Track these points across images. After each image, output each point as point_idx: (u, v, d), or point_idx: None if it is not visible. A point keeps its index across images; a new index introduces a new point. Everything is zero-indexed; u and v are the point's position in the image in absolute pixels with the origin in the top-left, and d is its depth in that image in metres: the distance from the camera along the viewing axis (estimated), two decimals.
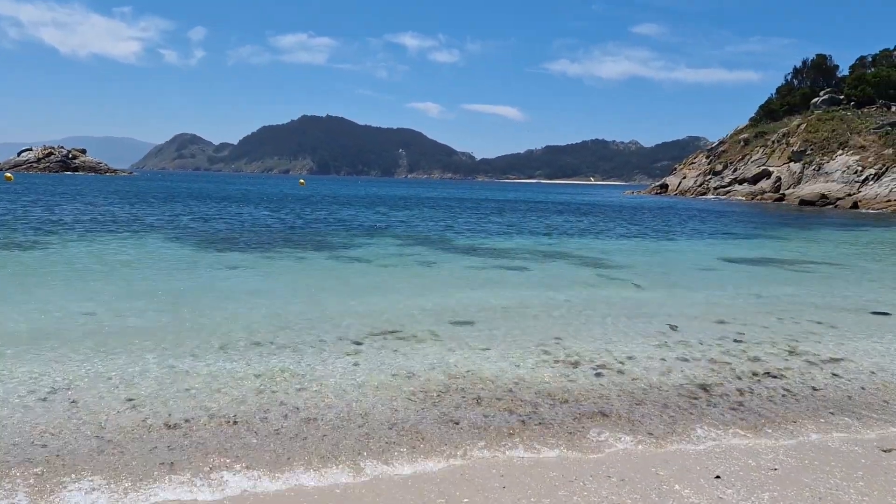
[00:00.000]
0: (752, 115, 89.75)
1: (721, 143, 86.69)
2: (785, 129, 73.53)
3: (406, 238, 23.17)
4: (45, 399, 5.97)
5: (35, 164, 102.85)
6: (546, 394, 6.56)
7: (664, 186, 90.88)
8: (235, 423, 5.58)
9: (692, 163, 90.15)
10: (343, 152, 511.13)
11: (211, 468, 4.77)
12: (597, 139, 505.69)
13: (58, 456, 4.86)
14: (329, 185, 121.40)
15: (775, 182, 67.97)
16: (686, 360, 7.97)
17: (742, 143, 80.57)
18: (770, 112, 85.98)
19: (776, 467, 4.99)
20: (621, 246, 22.81)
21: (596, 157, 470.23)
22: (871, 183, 57.45)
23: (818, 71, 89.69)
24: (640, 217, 40.21)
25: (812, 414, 6.27)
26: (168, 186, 74.41)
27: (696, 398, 6.59)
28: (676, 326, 9.72)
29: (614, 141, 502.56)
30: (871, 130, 63.41)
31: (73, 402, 5.92)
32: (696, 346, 8.60)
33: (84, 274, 13.04)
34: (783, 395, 6.76)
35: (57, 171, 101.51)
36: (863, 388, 7.07)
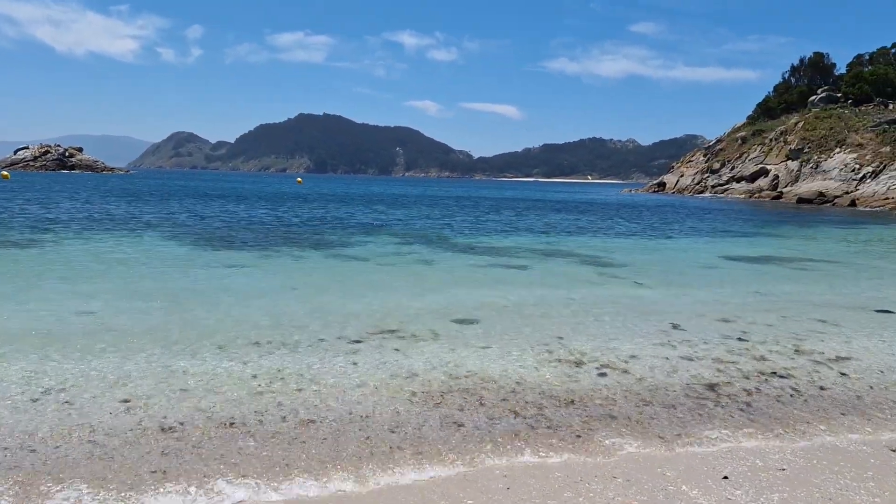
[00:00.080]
0: (750, 113, 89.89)
1: (718, 141, 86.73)
2: (782, 128, 73.63)
3: (404, 236, 23.07)
4: (37, 400, 5.83)
5: (31, 163, 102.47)
6: (550, 395, 6.44)
7: (662, 185, 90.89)
8: (232, 425, 5.44)
9: (690, 161, 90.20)
10: (340, 151, 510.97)
11: (206, 476, 4.57)
12: (594, 137, 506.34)
13: (45, 462, 4.67)
14: (326, 183, 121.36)
15: (773, 180, 68.02)
16: (691, 359, 7.86)
17: (739, 141, 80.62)
18: (768, 110, 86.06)
19: (784, 468, 4.90)
20: (620, 244, 22.73)
21: (593, 156, 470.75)
22: (868, 181, 57.53)
23: (816, 69, 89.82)
24: (639, 215, 40.16)
25: (821, 414, 6.17)
26: (165, 185, 74.22)
27: (703, 398, 6.49)
28: (679, 325, 9.63)
29: (612, 139, 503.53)
30: (869, 128, 63.52)
31: (66, 403, 5.78)
32: (699, 345, 8.50)
33: (80, 272, 12.90)
34: (791, 395, 6.65)
35: (53, 170, 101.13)
36: (871, 388, 6.97)
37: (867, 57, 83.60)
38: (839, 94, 75.77)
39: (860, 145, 61.85)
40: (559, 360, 7.59)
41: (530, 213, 39.77)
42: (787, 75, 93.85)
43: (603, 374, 7.12)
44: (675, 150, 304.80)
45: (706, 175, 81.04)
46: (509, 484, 4.55)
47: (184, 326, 8.64)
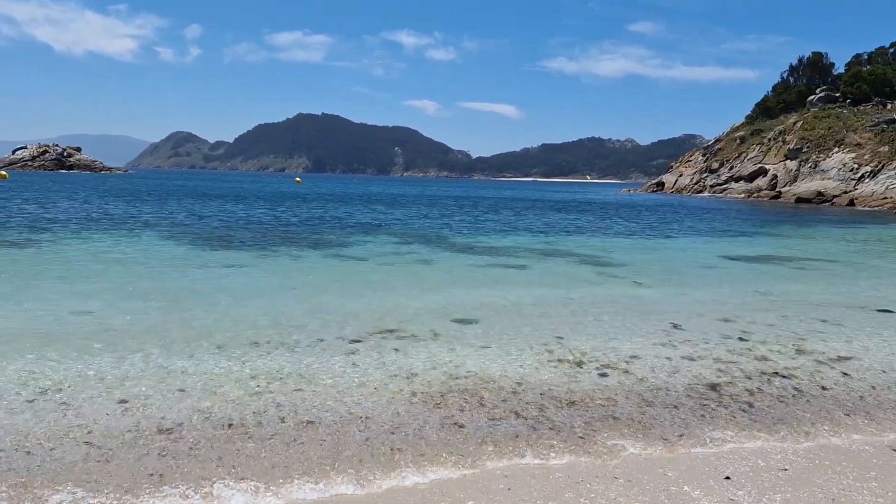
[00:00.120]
0: (749, 112, 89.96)
1: (717, 140, 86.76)
2: (781, 127, 73.64)
3: (403, 236, 23.03)
4: (33, 401, 5.77)
5: (30, 163, 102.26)
6: (551, 396, 6.39)
7: (660, 184, 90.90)
8: (231, 426, 5.39)
9: (688, 161, 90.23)
10: (339, 150, 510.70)
11: (203, 479, 4.49)
12: (593, 137, 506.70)
13: (40, 465, 4.60)
14: (325, 183, 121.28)
15: (771, 180, 68.06)
16: (692, 359, 7.82)
17: (738, 140, 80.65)
18: (766, 110, 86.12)
19: (787, 468, 4.87)
20: (619, 243, 22.70)
21: (592, 155, 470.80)
22: (867, 180, 57.57)
23: (814, 69, 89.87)
24: (637, 215, 40.14)
25: (823, 414, 6.14)
26: (163, 184, 74.10)
27: (705, 399, 6.45)
28: (679, 325, 9.59)
29: (611, 139, 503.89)
30: (867, 128, 63.56)
31: (62, 403, 5.73)
32: (700, 345, 8.46)
33: (78, 272, 12.84)
34: (793, 395, 6.62)
35: (52, 170, 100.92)
36: (873, 388, 6.94)
37: (866, 57, 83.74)
38: (838, 94, 75.84)
39: (858, 145, 61.90)
40: (559, 361, 7.54)
41: (529, 213, 39.74)
42: (785, 75, 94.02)
43: (604, 375, 7.08)
44: (673, 149, 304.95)
45: (705, 175, 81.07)
46: (510, 485, 4.52)
47: (182, 326, 8.59)
